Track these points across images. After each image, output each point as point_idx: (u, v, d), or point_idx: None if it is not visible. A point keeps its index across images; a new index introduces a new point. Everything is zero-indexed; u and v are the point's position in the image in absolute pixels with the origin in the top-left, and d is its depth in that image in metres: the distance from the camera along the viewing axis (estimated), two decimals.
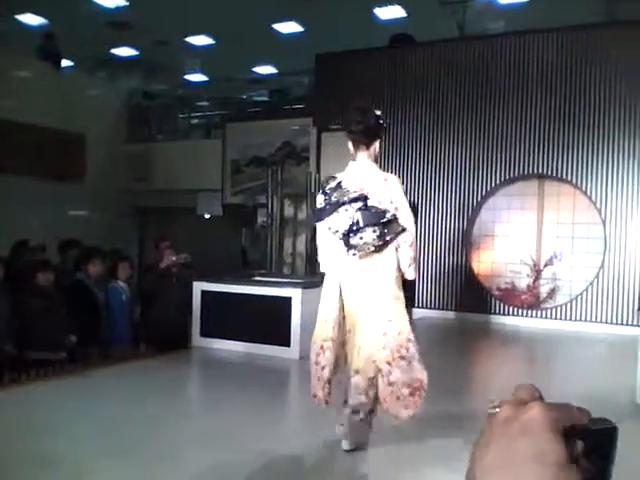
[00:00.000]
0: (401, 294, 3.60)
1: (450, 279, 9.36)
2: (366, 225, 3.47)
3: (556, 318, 8.84)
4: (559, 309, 8.87)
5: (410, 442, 3.66)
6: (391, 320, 3.51)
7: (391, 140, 9.80)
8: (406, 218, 3.60)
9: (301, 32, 12.25)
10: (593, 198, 8.73)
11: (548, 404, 0.52)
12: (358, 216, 3.47)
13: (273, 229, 9.49)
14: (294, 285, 6.43)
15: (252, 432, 3.90)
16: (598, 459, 0.51)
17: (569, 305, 8.80)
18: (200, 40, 13.10)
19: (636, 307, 8.14)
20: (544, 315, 8.95)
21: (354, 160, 3.74)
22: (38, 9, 11.69)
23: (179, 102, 14.10)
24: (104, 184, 11.87)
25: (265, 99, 13.96)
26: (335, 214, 3.54)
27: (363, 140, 3.70)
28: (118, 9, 11.56)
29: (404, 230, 3.58)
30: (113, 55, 14.25)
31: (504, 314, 9.14)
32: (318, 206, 3.71)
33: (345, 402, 3.56)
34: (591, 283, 8.70)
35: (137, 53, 14.21)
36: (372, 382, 3.51)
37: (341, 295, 3.62)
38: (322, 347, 3.57)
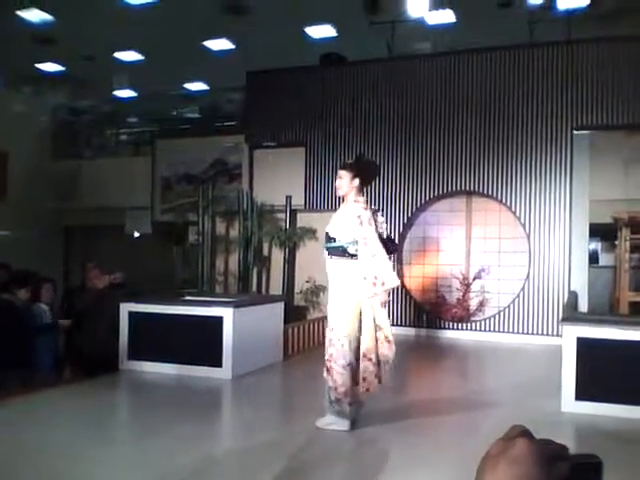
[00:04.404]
0: None
1: None
2: None
3: (486, 330, 9.05)
4: (488, 321, 9.09)
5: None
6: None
7: (320, 158, 9.87)
8: None
9: (232, 49, 12.22)
10: (517, 213, 9.02)
11: (532, 439, 0.60)
12: None
13: (204, 247, 9.38)
14: (225, 304, 6.33)
15: (181, 458, 3.79)
16: None
17: (497, 317, 9.03)
18: (129, 55, 12.87)
19: (560, 318, 8.39)
20: (474, 327, 9.15)
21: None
22: None
23: (107, 118, 13.80)
24: (28, 203, 11.48)
25: (196, 116, 13.83)
26: None
27: None
28: (44, 24, 11.24)
29: None
30: (38, 70, 13.84)
31: (436, 327, 9.29)
32: None
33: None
34: (517, 295, 8.96)
35: (63, 68, 13.84)
36: None
37: None
38: None
